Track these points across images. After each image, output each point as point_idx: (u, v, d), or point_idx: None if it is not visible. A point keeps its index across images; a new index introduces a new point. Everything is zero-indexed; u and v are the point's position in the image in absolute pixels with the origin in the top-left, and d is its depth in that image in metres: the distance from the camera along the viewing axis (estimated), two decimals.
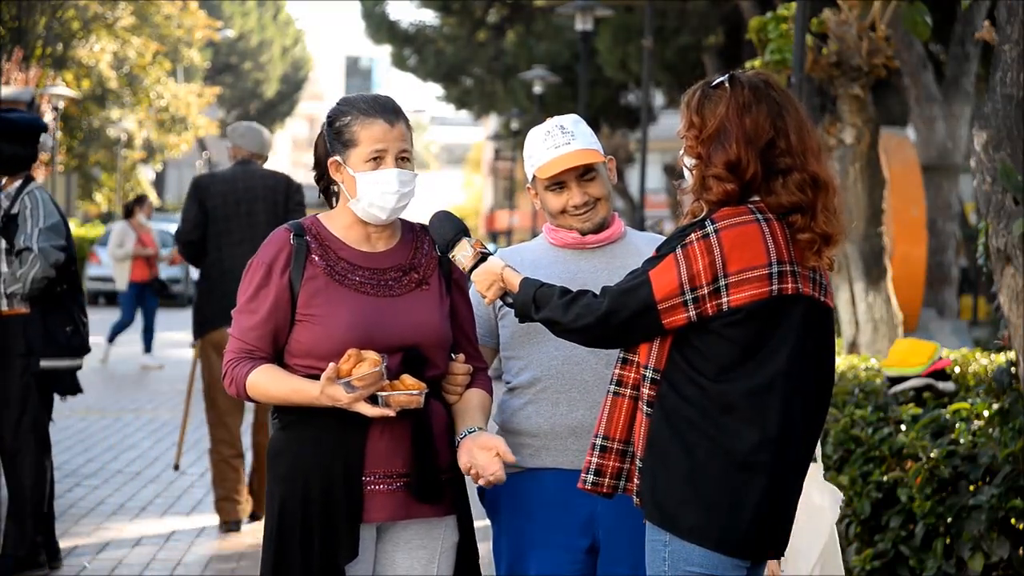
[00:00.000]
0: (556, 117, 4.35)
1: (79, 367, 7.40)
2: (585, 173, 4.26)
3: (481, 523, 4.35)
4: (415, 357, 3.91)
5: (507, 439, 4.33)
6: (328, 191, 4.07)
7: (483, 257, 4.01)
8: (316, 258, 3.93)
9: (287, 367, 3.92)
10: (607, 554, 4.25)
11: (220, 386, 8.29)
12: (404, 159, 3.95)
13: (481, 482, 3.94)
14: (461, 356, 4.06)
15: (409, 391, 3.79)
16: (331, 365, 3.75)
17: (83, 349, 7.33)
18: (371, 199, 3.92)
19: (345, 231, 3.99)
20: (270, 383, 3.87)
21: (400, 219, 4.06)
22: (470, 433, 3.97)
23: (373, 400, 3.80)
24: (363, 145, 3.91)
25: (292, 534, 3.87)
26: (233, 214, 8.59)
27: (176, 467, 10.11)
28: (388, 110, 3.95)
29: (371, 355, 3.77)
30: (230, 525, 8.66)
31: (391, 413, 3.78)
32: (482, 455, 3.92)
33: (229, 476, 8.66)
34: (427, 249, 4.06)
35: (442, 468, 3.96)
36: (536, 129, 4.35)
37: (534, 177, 4.31)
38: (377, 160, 3.91)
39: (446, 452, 3.98)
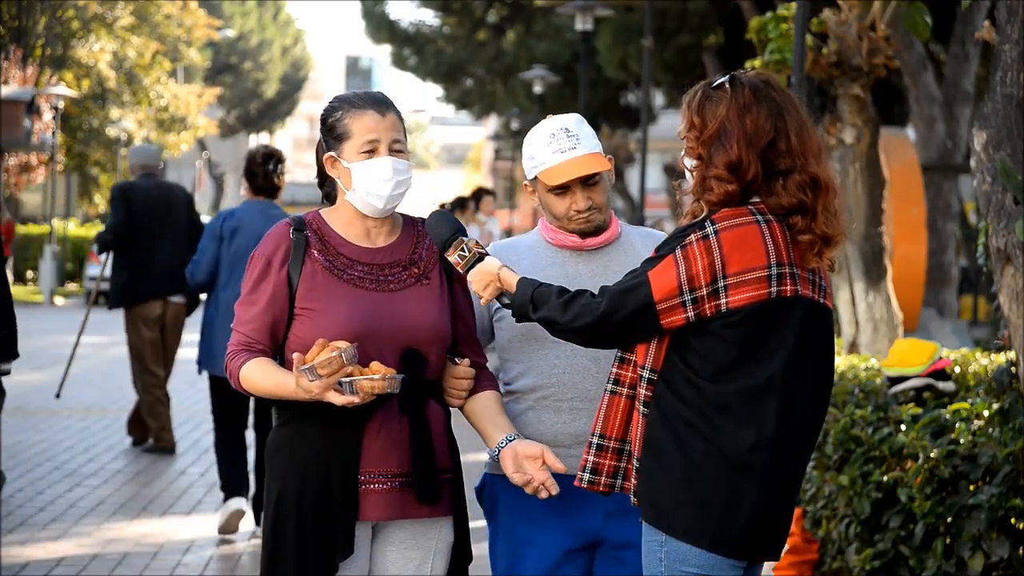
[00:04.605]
0: (558, 117, 4.30)
1: (6, 372, 7.11)
2: (590, 177, 4.24)
3: (482, 523, 4.35)
4: (414, 357, 3.90)
5: None
6: (331, 193, 4.09)
7: (480, 257, 4.00)
8: (315, 252, 3.94)
9: (287, 362, 3.93)
10: (605, 559, 4.24)
11: (146, 349, 11.02)
12: (398, 150, 3.96)
13: (543, 495, 3.94)
14: (465, 360, 4.05)
15: (371, 376, 3.75)
16: (296, 355, 3.75)
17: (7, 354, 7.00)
18: (367, 188, 3.93)
19: (345, 227, 4.00)
20: (259, 376, 3.88)
21: (401, 214, 4.07)
22: (510, 441, 3.98)
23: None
24: (356, 136, 3.93)
25: (288, 531, 3.87)
26: (154, 213, 10.95)
27: (58, 395, 12.56)
28: (378, 101, 3.98)
29: (340, 344, 3.74)
30: (169, 450, 11.14)
31: (357, 400, 3.75)
32: (532, 466, 3.94)
33: (161, 411, 11.14)
34: (428, 243, 4.06)
35: (441, 468, 3.96)
36: (539, 129, 4.29)
37: (535, 178, 4.29)
38: (371, 151, 3.93)
39: (445, 452, 3.98)
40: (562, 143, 4.22)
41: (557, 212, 4.27)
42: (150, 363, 11.08)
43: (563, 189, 4.24)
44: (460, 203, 17.75)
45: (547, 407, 4.23)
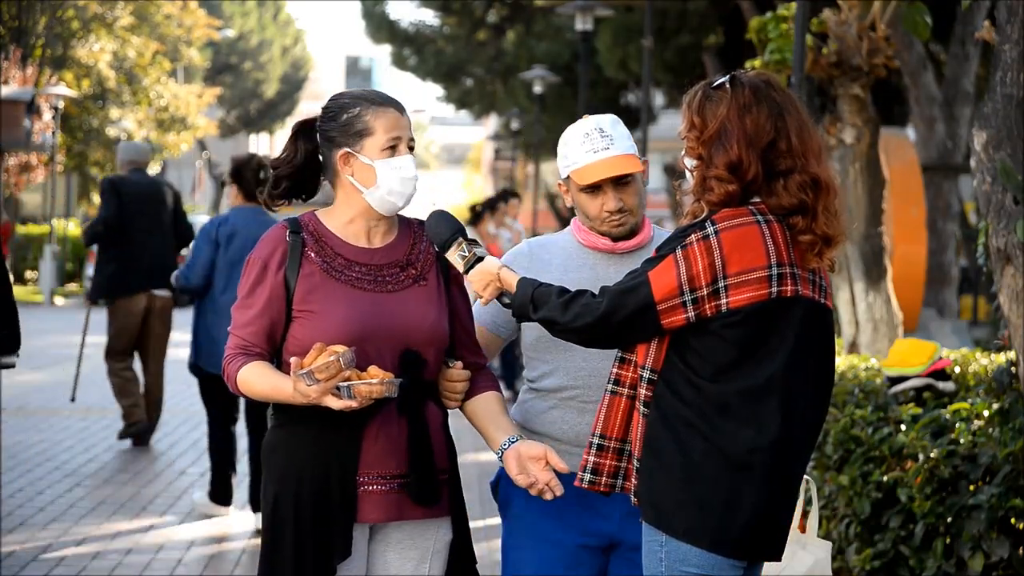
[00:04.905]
0: (594, 117, 4.29)
1: (11, 365, 7.16)
2: (622, 179, 4.23)
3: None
4: (413, 359, 3.90)
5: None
6: (297, 189, 4.04)
7: (479, 257, 4.00)
8: (312, 255, 3.94)
9: (284, 365, 3.92)
10: (620, 560, 4.24)
11: (121, 340, 11.26)
12: (411, 148, 3.98)
13: (548, 496, 3.93)
14: (459, 363, 4.04)
15: (369, 380, 3.74)
16: (294, 359, 3.74)
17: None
18: (391, 186, 3.93)
19: (343, 227, 3.99)
20: (256, 380, 3.87)
21: (397, 215, 4.07)
22: (513, 443, 3.98)
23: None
24: (379, 133, 3.92)
25: (286, 533, 3.87)
26: (145, 207, 11.16)
27: (72, 399, 12.80)
28: (395, 101, 3.99)
29: (338, 348, 3.74)
30: (140, 424, 11.24)
31: (355, 405, 3.74)
32: (535, 467, 3.93)
33: (132, 389, 11.30)
34: (425, 245, 4.06)
35: (439, 469, 3.96)
36: (574, 128, 4.29)
37: (568, 177, 4.29)
38: (393, 148, 3.94)
39: (443, 453, 3.98)
40: (595, 143, 4.21)
41: (589, 213, 4.27)
42: (120, 352, 11.33)
43: (595, 189, 4.23)
44: (490, 205, 17.81)
45: (572, 407, 4.23)
